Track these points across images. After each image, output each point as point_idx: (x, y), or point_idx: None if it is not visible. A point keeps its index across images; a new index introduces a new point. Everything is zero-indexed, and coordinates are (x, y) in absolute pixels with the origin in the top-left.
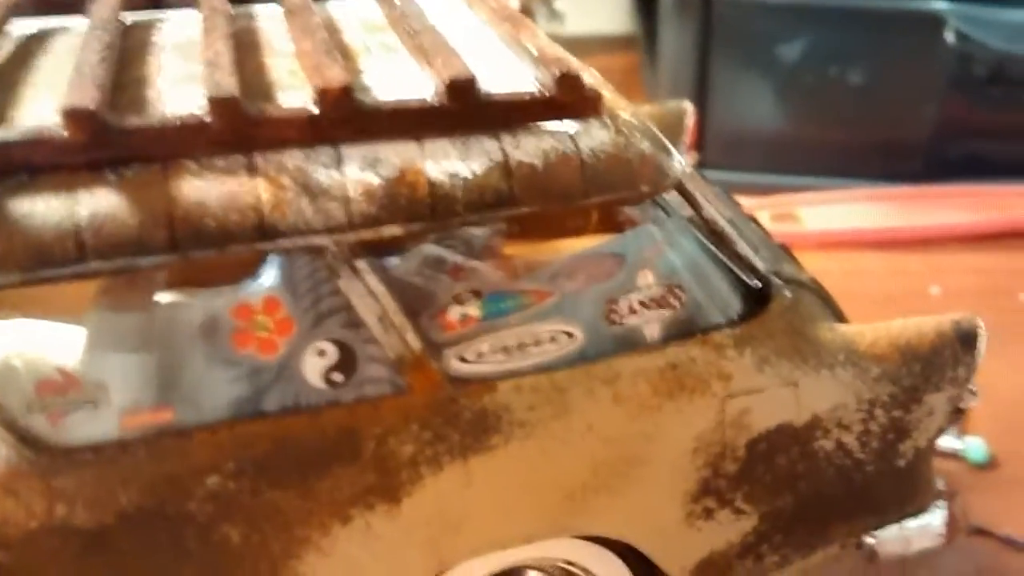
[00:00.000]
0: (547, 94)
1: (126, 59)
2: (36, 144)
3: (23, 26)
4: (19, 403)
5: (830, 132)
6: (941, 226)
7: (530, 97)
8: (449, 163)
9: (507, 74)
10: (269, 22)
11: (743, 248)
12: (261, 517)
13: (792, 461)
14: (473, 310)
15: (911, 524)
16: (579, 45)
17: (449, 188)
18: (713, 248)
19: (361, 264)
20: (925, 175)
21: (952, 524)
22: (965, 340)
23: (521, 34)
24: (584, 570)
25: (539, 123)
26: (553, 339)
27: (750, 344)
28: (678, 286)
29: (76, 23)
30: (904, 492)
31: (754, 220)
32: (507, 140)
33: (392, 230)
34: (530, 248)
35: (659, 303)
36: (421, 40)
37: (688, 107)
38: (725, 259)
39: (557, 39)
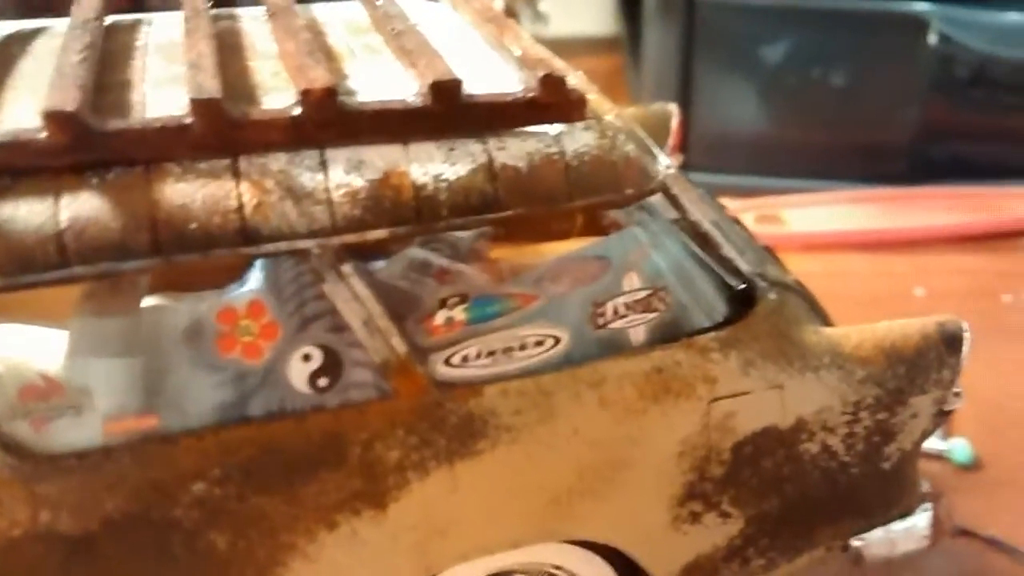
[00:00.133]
0: (531, 96)
1: (108, 60)
2: (16, 147)
3: (2, 27)
4: (2, 409)
5: (814, 134)
6: (925, 227)
7: (514, 99)
8: (434, 166)
9: (491, 76)
10: (252, 24)
11: (728, 251)
12: (247, 523)
13: (778, 464)
14: (459, 314)
15: (897, 526)
16: (563, 47)
17: (434, 191)
18: (698, 251)
19: (346, 268)
20: (909, 177)
21: (937, 526)
22: (950, 342)
23: (505, 36)
24: (571, 574)
25: (523, 125)
26: (539, 343)
27: (735, 347)
28: (663, 289)
29: (57, 24)
30: (890, 495)
31: (738, 222)
32: (492, 142)
33: (377, 233)
34: (516, 251)
35: (644, 306)
36: (405, 42)
37: (673, 109)
38: (710, 262)
39: (541, 40)
